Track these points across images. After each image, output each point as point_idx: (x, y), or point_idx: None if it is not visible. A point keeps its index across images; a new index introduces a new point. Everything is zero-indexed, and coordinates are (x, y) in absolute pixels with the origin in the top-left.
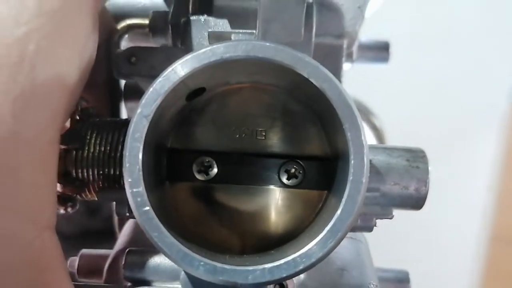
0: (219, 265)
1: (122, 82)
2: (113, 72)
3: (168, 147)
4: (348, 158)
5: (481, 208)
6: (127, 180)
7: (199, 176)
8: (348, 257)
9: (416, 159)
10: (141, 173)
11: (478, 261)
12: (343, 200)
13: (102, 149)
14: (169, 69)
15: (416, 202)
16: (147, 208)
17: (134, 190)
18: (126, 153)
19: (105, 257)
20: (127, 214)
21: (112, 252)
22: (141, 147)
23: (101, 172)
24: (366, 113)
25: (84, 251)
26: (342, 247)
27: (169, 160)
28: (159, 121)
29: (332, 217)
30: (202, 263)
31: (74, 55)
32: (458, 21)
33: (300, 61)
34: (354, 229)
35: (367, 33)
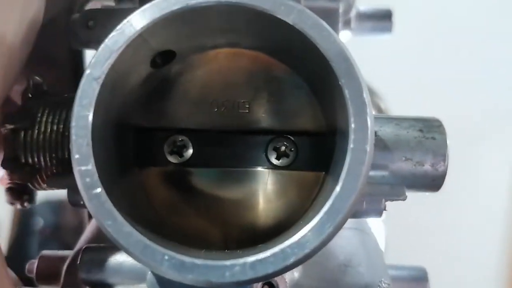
0: (187, 259)
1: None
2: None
3: (134, 125)
4: (347, 127)
5: (503, 211)
6: (74, 157)
7: (171, 159)
8: (352, 250)
9: (430, 129)
10: (90, 147)
11: (501, 266)
12: (343, 173)
13: (55, 128)
14: (125, 21)
15: (433, 181)
16: (98, 190)
17: (82, 168)
18: (73, 123)
19: (65, 259)
20: (82, 202)
21: (70, 255)
22: (91, 116)
23: (53, 155)
24: (370, 94)
25: (44, 252)
26: (344, 238)
27: (136, 141)
28: (117, 90)
29: (329, 197)
30: (166, 257)
31: (11, 10)
32: (475, 17)
33: (282, 5)
34: (359, 213)
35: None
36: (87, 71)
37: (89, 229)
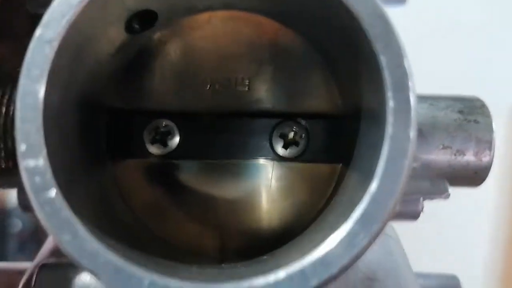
0: (174, 285)
1: None
2: (37, 20)
3: (107, 106)
4: (381, 107)
5: (492, 209)
6: (19, 148)
7: (153, 149)
8: (376, 260)
9: (472, 110)
10: (41, 134)
11: (493, 263)
12: (379, 168)
13: (3, 110)
14: None
15: (475, 173)
16: (52, 193)
17: (30, 163)
18: (18, 102)
19: (23, 273)
20: None
21: (29, 268)
22: (42, 91)
23: (1, 145)
24: None
25: (0, 265)
26: None
27: (109, 127)
28: (81, 59)
29: (360, 198)
30: (146, 282)
31: None
32: (467, 12)
33: None
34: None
35: None
36: (38, 32)
37: (49, 240)
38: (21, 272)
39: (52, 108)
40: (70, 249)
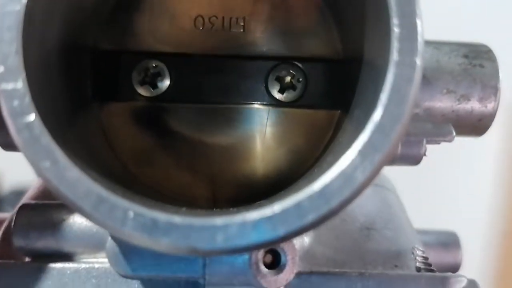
0: (162, 217)
1: None
2: None
3: (92, 46)
4: (386, 38)
5: (488, 202)
6: None
7: (142, 91)
8: (374, 209)
9: (478, 54)
10: (20, 56)
11: (487, 258)
12: (384, 94)
13: None
14: None
15: (479, 120)
16: (31, 118)
17: (9, 86)
18: None
19: (2, 222)
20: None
21: (8, 217)
22: (22, 13)
23: None
24: None
25: None
26: (363, 196)
27: (95, 67)
28: None
29: (360, 131)
30: (131, 213)
31: None
32: (463, 16)
33: None
34: (392, 159)
35: None
36: None
37: (36, 184)
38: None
39: (32, 37)
40: (50, 176)
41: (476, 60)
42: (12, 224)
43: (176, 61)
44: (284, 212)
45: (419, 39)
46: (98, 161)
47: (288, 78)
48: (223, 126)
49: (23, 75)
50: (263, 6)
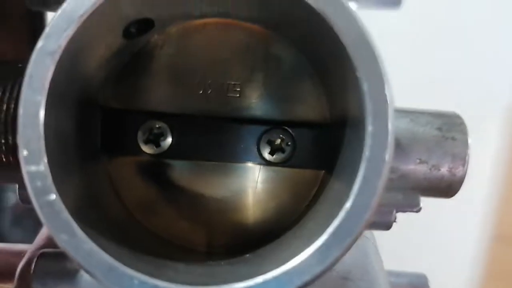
0: (162, 284)
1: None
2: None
3: (103, 105)
4: (360, 123)
5: (482, 206)
6: (21, 153)
7: (146, 149)
8: (352, 260)
9: (451, 127)
10: (42, 142)
11: (479, 261)
12: (355, 187)
13: (4, 107)
14: None
15: (449, 187)
16: (52, 197)
17: (32, 168)
18: (20, 110)
19: (21, 255)
20: None
21: (28, 250)
22: (43, 102)
23: (2, 140)
24: None
25: None
26: None
27: (105, 124)
28: (80, 64)
29: (337, 212)
30: (136, 282)
31: None
32: (462, 13)
33: None
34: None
35: None
36: (39, 44)
37: None
38: (19, 254)
39: (51, 113)
40: (68, 248)
41: (448, 133)
42: (32, 269)
43: (178, 122)
44: (264, 284)
45: (389, 137)
46: (106, 210)
47: (278, 141)
48: (219, 181)
49: (45, 158)
50: (258, 74)
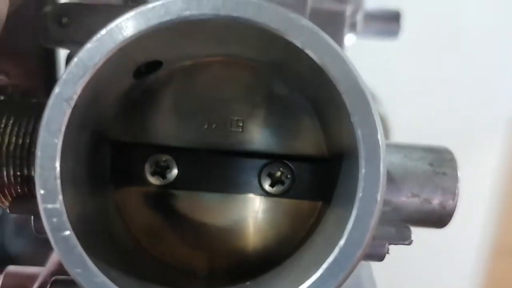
0: None
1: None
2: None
3: (113, 139)
4: (353, 160)
5: (482, 220)
6: (39, 192)
7: (153, 180)
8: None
9: (442, 163)
10: (58, 182)
11: (479, 274)
12: (349, 225)
13: (20, 141)
14: (104, 31)
15: (439, 219)
16: (67, 233)
17: (49, 206)
18: (38, 153)
19: (33, 278)
20: None
21: (41, 274)
22: (59, 145)
23: (18, 173)
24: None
25: (10, 268)
26: None
27: (114, 157)
28: (93, 106)
29: (332, 248)
30: None
31: None
32: (464, 30)
33: (292, 25)
34: None
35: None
36: (56, 90)
37: None
38: (31, 277)
39: (66, 153)
40: (81, 281)
41: (439, 168)
42: None
43: (183, 156)
44: None
45: (381, 179)
46: (114, 238)
47: (278, 174)
48: (222, 211)
49: (60, 197)
50: (260, 110)
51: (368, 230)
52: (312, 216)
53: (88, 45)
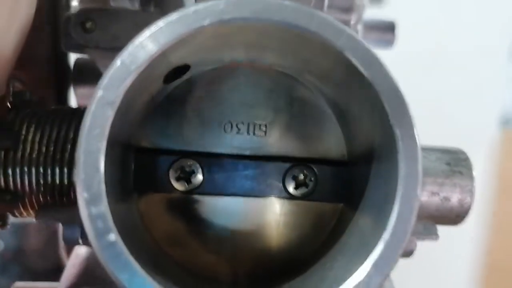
0: None
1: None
2: (59, 45)
3: (137, 146)
4: (388, 159)
5: (473, 235)
6: (81, 196)
7: (178, 186)
8: None
9: (458, 162)
10: (103, 186)
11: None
12: (391, 221)
13: (44, 149)
14: (144, 35)
15: (457, 217)
16: (113, 238)
17: (93, 210)
18: (81, 158)
19: None
20: (80, 241)
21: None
22: (103, 149)
23: (41, 181)
24: None
25: (18, 284)
26: None
27: (138, 164)
28: (128, 111)
29: (373, 245)
30: None
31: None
32: (450, 43)
33: (332, 28)
34: None
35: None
36: (99, 94)
37: (73, 261)
38: None
39: (107, 158)
40: (128, 287)
41: (456, 168)
42: None
43: (208, 161)
44: None
45: (419, 175)
46: (140, 244)
47: (301, 177)
48: (245, 215)
49: (105, 200)
50: (282, 115)
51: (410, 224)
52: (333, 218)
53: (131, 48)
